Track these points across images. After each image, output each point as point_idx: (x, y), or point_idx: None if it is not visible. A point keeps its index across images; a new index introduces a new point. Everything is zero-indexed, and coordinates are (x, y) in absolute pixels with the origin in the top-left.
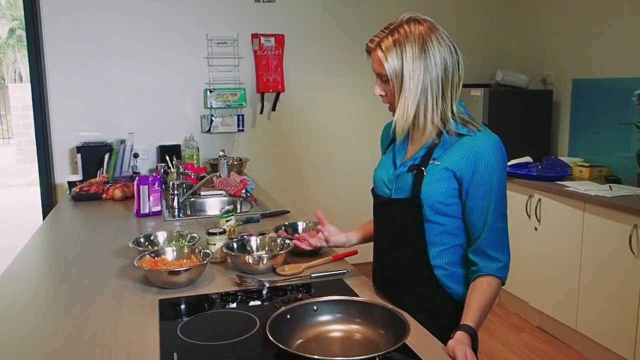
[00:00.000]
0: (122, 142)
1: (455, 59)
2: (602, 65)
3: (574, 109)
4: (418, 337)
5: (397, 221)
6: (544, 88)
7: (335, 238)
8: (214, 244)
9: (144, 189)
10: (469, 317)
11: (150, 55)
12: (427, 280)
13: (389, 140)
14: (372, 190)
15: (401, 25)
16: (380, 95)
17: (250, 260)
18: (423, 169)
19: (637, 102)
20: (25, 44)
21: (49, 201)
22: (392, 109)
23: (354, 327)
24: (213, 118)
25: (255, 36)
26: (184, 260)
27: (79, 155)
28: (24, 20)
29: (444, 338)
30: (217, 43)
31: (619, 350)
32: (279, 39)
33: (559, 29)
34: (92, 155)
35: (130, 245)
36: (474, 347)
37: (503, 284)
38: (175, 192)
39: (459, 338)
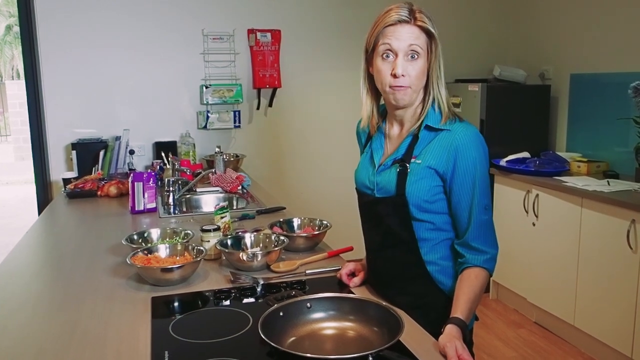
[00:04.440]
0: (118, 138)
1: None
2: (600, 60)
3: (572, 103)
4: (412, 334)
5: (385, 220)
6: (542, 83)
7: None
8: (208, 241)
9: (139, 185)
10: (458, 309)
11: (145, 51)
12: (421, 277)
13: (365, 138)
14: (356, 189)
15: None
16: (402, 76)
17: (244, 257)
18: (407, 164)
19: (633, 94)
20: None
21: (44, 198)
22: (403, 93)
23: (348, 324)
24: (209, 114)
25: (251, 32)
26: (177, 258)
27: (74, 152)
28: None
29: (438, 335)
30: (213, 39)
31: (616, 346)
32: (276, 35)
33: (556, 23)
34: (88, 152)
35: (124, 243)
36: (468, 341)
37: (491, 275)
38: (171, 188)
39: (449, 332)
